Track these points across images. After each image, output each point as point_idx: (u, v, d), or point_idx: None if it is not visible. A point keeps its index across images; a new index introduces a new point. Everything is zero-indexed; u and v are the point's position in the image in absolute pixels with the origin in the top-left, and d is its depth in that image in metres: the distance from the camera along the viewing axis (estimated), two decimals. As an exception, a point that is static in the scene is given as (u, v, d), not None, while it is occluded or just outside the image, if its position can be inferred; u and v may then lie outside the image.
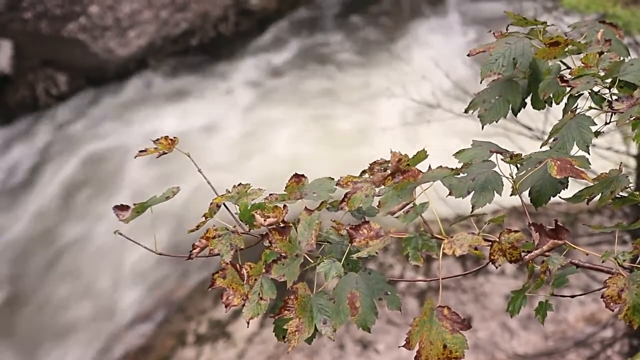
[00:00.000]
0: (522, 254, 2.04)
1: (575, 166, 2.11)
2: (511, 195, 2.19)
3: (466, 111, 2.50)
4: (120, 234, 2.24)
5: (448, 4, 12.39)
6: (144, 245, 2.25)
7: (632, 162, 6.51)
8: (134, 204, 2.26)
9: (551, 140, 2.27)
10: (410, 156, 2.16)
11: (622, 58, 2.36)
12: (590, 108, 2.30)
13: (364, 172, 2.20)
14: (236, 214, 2.18)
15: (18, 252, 9.34)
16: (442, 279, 2.05)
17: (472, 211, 2.17)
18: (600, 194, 2.21)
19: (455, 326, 1.93)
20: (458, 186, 2.16)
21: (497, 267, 2.04)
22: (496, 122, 2.44)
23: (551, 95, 2.36)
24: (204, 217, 2.20)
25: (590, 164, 2.15)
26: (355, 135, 10.11)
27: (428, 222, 2.06)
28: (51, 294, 8.92)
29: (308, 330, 2.01)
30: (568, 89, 2.32)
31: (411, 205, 2.07)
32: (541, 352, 7.55)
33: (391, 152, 2.16)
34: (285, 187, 2.24)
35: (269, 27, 12.23)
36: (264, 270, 2.07)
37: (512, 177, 2.18)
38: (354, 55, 11.76)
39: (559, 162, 2.11)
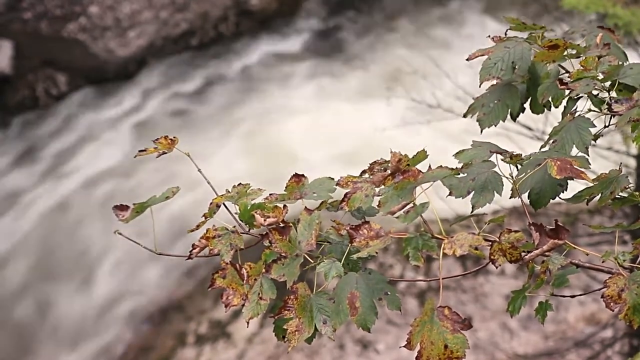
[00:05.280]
0: (522, 254, 2.03)
1: (575, 166, 2.11)
2: (511, 197, 2.19)
3: (465, 115, 2.50)
4: (120, 234, 2.24)
5: (449, 4, 12.39)
6: (144, 245, 2.25)
7: (632, 162, 6.51)
8: (134, 204, 2.26)
9: (550, 142, 2.27)
10: (410, 156, 2.16)
11: (620, 62, 2.36)
12: (590, 110, 2.30)
13: (364, 172, 2.20)
14: (236, 214, 2.18)
15: (19, 247, 9.35)
16: (442, 279, 2.05)
17: (472, 211, 2.17)
18: (600, 194, 2.21)
19: (456, 326, 1.93)
20: (458, 186, 2.17)
21: (497, 267, 2.04)
22: (495, 126, 2.45)
23: (550, 99, 2.37)
24: (203, 217, 2.20)
25: (590, 164, 2.15)
26: (355, 134, 10.10)
27: (428, 222, 2.06)
28: (50, 293, 8.93)
29: (308, 330, 2.01)
30: (567, 91, 2.32)
31: (411, 205, 2.07)
32: (541, 352, 7.55)
33: (391, 152, 2.16)
34: (285, 187, 2.24)
35: (269, 27, 12.24)
36: (263, 270, 2.07)
37: (512, 177, 2.19)
38: (353, 54, 11.76)
39: (559, 162, 2.11)
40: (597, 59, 2.33)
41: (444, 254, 1.98)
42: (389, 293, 2.02)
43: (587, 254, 2.17)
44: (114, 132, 10.72)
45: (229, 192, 2.23)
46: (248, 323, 2.05)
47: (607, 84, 2.29)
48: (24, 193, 10.01)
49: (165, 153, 2.31)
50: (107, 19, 11.54)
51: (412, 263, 2.01)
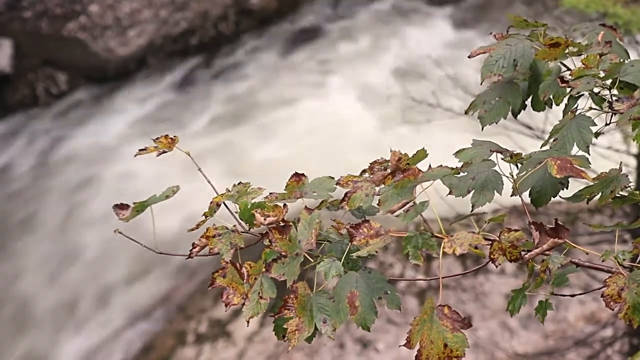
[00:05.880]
0: (522, 253, 2.04)
1: (576, 165, 2.11)
2: (511, 195, 2.19)
3: (466, 112, 2.51)
4: (120, 233, 2.24)
5: (448, 4, 12.39)
6: (144, 244, 2.25)
7: (633, 162, 6.50)
8: (134, 203, 2.26)
9: (551, 140, 2.27)
10: (410, 155, 2.16)
11: (622, 60, 2.36)
12: (591, 109, 2.30)
13: (364, 171, 2.20)
14: (236, 212, 2.18)
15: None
16: (442, 278, 2.06)
17: (472, 210, 2.17)
18: (600, 193, 2.21)
19: (455, 325, 1.93)
20: (458, 185, 2.17)
21: (497, 266, 2.04)
22: (496, 123, 2.45)
23: (551, 97, 2.37)
24: (203, 216, 2.20)
25: (590, 164, 2.15)
26: (354, 135, 10.11)
27: (428, 221, 2.06)
28: (52, 293, 8.93)
29: (308, 330, 2.01)
30: (568, 89, 2.32)
31: (411, 204, 2.07)
32: (541, 351, 7.55)
33: (391, 151, 2.17)
34: (286, 186, 2.24)
35: (269, 26, 12.24)
36: (263, 269, 2.07)
37: (512, 176, 2.19)
38: (352, 54, 11.76)
39: (559, 162, 2.11)
40: (598, 56, 2.33)
41: (444, 253, 1.99)
42: (388, 292, 2.02)
43: (587, 253, 2.17)
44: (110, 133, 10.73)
45: (229, 191, 2.23)
46: (248, 322, 2.05)
47: (608, 81, 2.29)
48: (20, 194, 10.02)
49: (166, 152, 2.31)
50: (107, 18, 11.54)
51: (412, 262, 2.01)
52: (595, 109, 2.30)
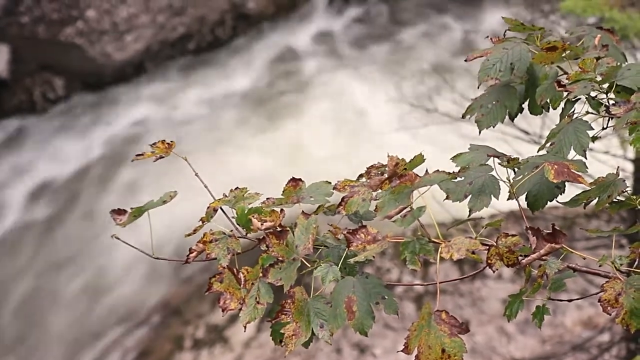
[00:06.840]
0: (520, 258, 2.03)
1: (572, 170, 2.11)
2: (508, 199, 2.19)
3: (463, 116, 2.50)
4: (117, 238, 2.24)
5: (445, 9, 12.41)
6: (141, 249, 2.24)
7: (629, 166, 6.51)
8: (131, 208, 2.26)
9: (548, 144, 2.27)
10: (408, 160, 2.16)
11: (618, 63, 2.36)
12: (588, 113, 2.30)
13: (361, 176, 2.20)
14: (233, 217, 2.17)
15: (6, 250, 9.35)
16: (439, 283, 2.05)
17: (469, 215, 2.17)
18: (597, 198, 2.21)
19: (453, 330, 1.93)
20: (455, 190, 2.16)
21: (494, 271, 2.04)
22: (493, 127, 2.44)
23: (548, 100, 2.37)
24: (201, 221, 2.20)
25: (587, 168, 2.15)
26: (354, 138, 10.11)
27: (425, 226, 2.06)
28: (51, 295, 8.92)
29: (305, 334, 2.01)
30: (565, 93, 2.32)
31: (408, 209, 2.07)
32: (538, 356, 7.54)
33: (388, 156, 2.16)
34: (283, 191, 2.24)
35: (266, 30, 12.25)
36: (261, 275, 2.07)
37: (510, 181, 2.18)
38: (349, 58, 11.77)
39: (556, 166, 2.11)
40: (595, 60, 2.33)
41: (441, 258, 1.98)
42: (386, 297, 2.02)
43: (584, 258, 2.16)
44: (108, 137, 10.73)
45: (226, 196, 2.23)
46: (245, 327, 2.05)
47: (605, 85, 2.29)
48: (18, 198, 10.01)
49: (162, 157, 2.31)
50: (104, 23, 11.54)
51: (409, 267, 2.01)
52: (592, 113, 2.30)
